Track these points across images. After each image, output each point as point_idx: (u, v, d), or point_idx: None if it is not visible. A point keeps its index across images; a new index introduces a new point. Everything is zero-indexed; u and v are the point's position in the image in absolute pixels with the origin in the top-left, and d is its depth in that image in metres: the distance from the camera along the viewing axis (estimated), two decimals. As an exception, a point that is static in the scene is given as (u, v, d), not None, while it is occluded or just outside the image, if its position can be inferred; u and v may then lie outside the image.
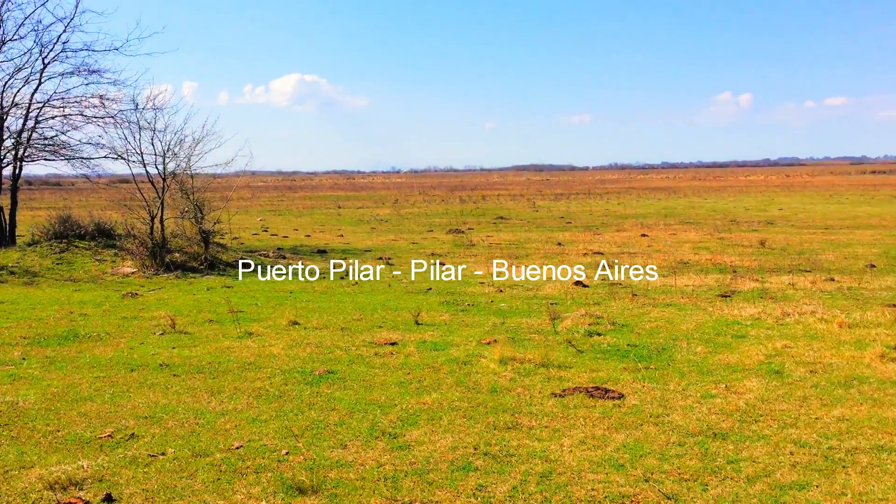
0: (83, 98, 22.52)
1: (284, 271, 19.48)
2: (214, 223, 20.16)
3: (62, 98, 22.44)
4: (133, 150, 20.04)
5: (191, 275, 18.15)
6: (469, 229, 33.38)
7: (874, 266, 18.95)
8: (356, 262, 21.48)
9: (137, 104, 21.02)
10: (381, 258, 21.87)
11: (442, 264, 20.85)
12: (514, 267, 19.86)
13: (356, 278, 17.92)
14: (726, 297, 14.40)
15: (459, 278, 17.91)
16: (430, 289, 15.98)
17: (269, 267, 20.21)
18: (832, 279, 16.69)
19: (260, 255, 22.25)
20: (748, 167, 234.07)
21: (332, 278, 17.97)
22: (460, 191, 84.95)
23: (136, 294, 15.29)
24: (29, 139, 22.14)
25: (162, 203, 19.37)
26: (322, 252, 24.17)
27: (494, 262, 20.72)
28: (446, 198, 68.60)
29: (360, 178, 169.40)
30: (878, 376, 8.66)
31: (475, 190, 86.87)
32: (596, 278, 17.46)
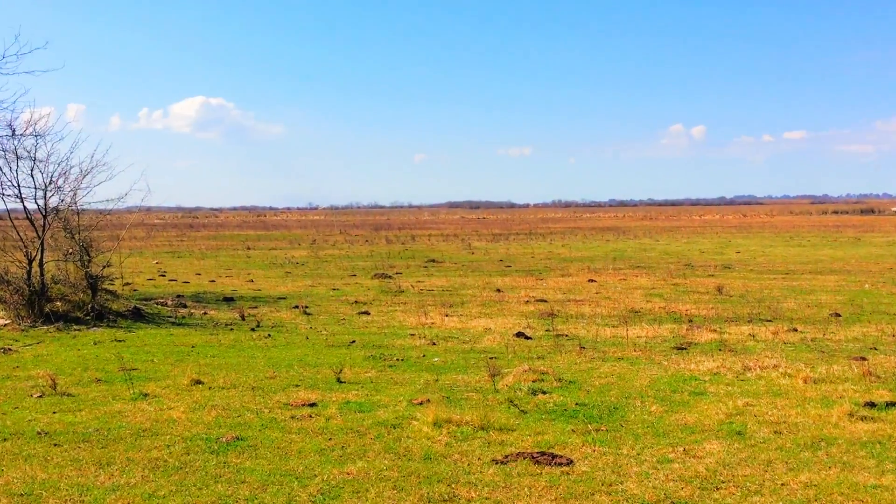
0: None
1: (185, 322, 19.10)
2: (104, 267, 19.71)
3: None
4: (8, 183, 19.50)
5: (75, 327, 17.66)
6: (397, 274, 33.41)
7: (839, 315, 19.64)
8: (269, 311, 21.24)
9: (14, 130, 20.42)
10: (297, 307, 21.72)
11: (367, 313, 20.79)
12: (448, 316, 19.93)
13: (269, 330, 17.73)
14: (682, 349, 14.72)
15: (387, 329, 17.90)
16: (354, 341, 15.93)
17: (167, 317, 19.80)
18: (795, 329, 17.23)
19: (157, 304, 21.82)
20: (703, 206, 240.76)
21: (241, 330, 17.73)
22: (387, 230, 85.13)
23: (10, 350, 14.79)
24: None
25: (42, 244, 18.85)
26: (229, 300, 23.85)
27: (426, 310, 20.78)
28: (371, 238, 68.58)
29: (272, 216, 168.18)
30: (846, 437, 8.94)
31: (403, 229, 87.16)
32: (540, 329, 17.66)
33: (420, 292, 26.16)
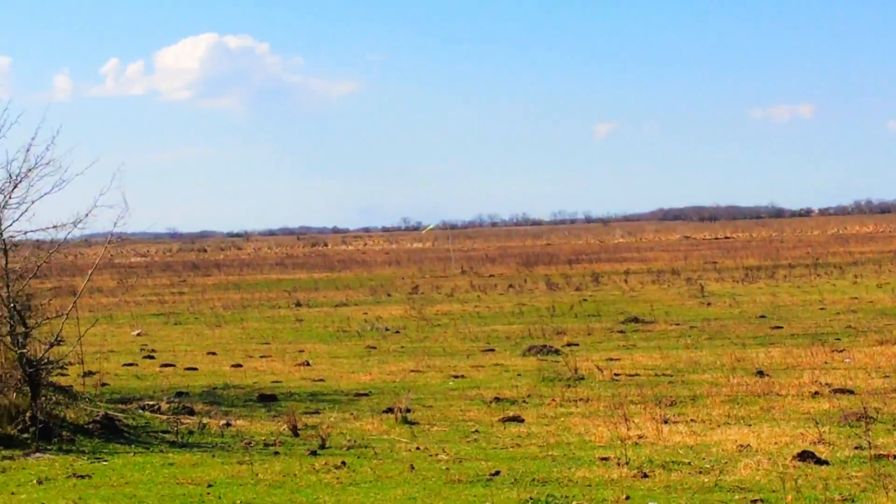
0: None
1: (194, 441, 19.50)
2: (51, 344, 20.26)
3: None
4: None
5: (3, 451, 18.10)
6: (570, 346, 33.21)
7: None
8: (341, 418, 21.51)
9: None
10: (391, 410, 21.83)
11: (518, 420, 20.81)
12: (669, 424, 19.76)
13: (342, 454, 17.90)
14: None
15: (556, 450, 17.84)
16: (498, 473, 15.88)
17: (162, 433, 20.19)
18: None
19: (143, 409, 22.28)
20: None
21: (292, 454, 17.96)
22: (548, 265, 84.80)
23: None
24: None
25: (-56, 306, 19.57)
26: (269, 399, 24.15)
27: (628, 414, 20.58)
28: (519, 280, 68.46)
29: (337, 244, 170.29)
30: None
31: (578, 262, 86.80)
32: (843, 445, 17.31)
33: (614, 379, 25.98)
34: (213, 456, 18.10)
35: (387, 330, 41.06)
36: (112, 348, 36.13)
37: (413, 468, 16.57)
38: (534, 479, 15.49)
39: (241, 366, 31.21)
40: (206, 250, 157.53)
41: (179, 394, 24.70)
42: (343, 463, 17.02)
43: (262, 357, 33.54)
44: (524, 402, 23.19)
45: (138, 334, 42.03)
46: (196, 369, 30.58)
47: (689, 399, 22.65)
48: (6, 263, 20.38)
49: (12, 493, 15.48)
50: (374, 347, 35.33)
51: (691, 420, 20.26)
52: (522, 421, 20.82)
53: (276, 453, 18.16)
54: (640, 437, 18.67)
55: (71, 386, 23.29)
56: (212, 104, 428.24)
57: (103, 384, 26.10)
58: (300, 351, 34.65)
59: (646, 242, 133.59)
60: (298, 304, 55.28)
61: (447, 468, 16.53)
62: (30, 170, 20.41)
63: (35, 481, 16.20)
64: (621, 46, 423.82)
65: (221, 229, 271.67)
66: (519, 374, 27.45)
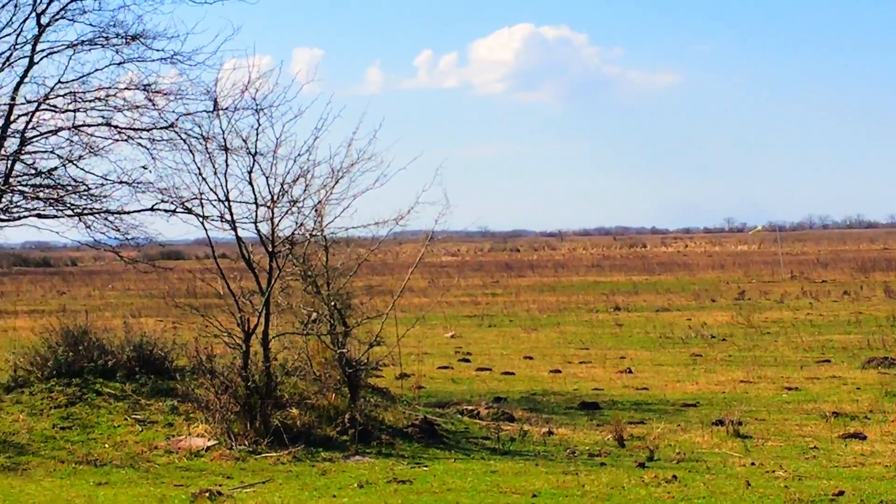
0: (112, 90, 23.83)
1: (515, 449, 19.84)
2: (370, 345, 20.76)
3: (72, 93, 23.89)
4: (210, 197, 21.01)
5: (323, 454, 18.74)
6: (914, 358, 32.49)
7: None
8: (667, 429, 21.57)
9: (217, 101, 21.93)
10: (720, 422, 21.78)
11: (860, 437, 20.55)
12: None
13: (672, 467, 17.97)
14: None
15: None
16: (842, 493, 15.73)
17: (481, 439, 20.62)
18: None
19: (461, 414, 22.72)
20: None
21: (619, 465, 18.10)
22: (886, 270, 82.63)
23: (219, 494, 16.05)
24: (8, 175, 23.60)
25: (266, 303, 20.21)
26: (590, 407, 24.38)
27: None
28: (854, 286, 67.02)
29: (656, 245, 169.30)
30: None
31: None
32: None
33: (970, 398, 25.27)
34: (536, 465, 18.39)
35: (712, 337, 40.69)
36: (426, 350, 36.85)
37: (749, 485, 16.52)
38: (882, 502, 15.31)
39: (559, 371, 31.53)
40: (518, 250, 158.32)
41: (497, 399, 25.08)
42: (674, 477, 17.06)
43: (581, 363, 33.74)
44: (866, 417, 22.81)
45: (452, 336, 42.81)
46: (513, 374, 31.05)
47: None
48: (327, 261, 21.01)
49: (333, 496, 16.06)
50: (700, 355, 35.12)
51: None
52: (864, 438, 20.53)
53: (602, 464, 18.35)
54: None
55: (388, 388, 23.94)
56: (526, 98, 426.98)
57: (419, 387, 26.81)
58: (621, 357, 34.76)
59: None
60: (617, 308, 55.27)
61: (786, 486, 16.44)
62: (352, 164, 20.92)
63: (356, 485, 16.76)
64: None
65: (534, 228, 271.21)
66: (858, 388, 26.98)
